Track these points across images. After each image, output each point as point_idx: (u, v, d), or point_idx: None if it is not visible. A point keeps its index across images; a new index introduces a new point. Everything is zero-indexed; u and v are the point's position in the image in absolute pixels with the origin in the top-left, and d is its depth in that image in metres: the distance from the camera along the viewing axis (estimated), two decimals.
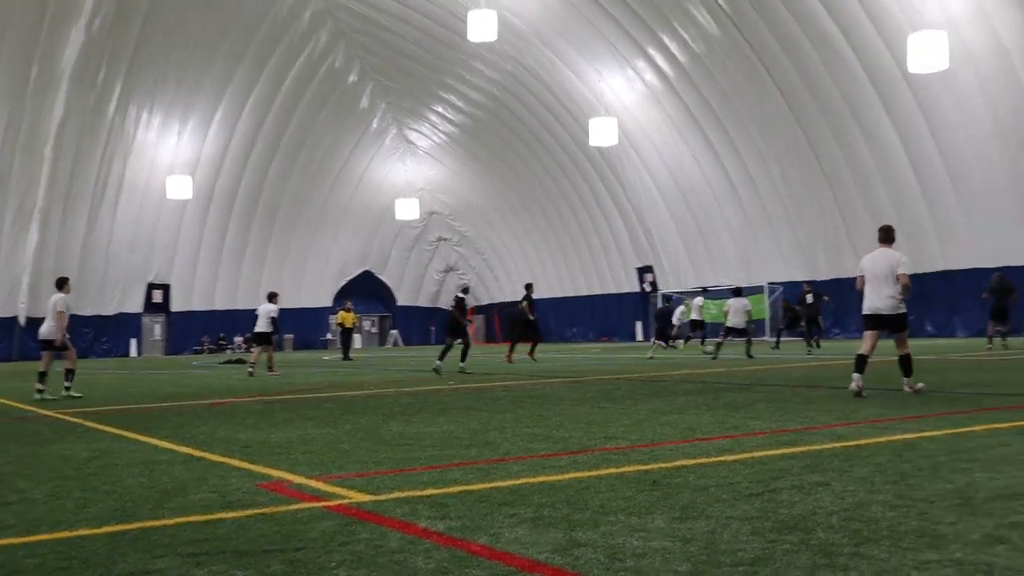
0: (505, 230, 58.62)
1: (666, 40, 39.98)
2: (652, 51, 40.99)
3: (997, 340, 25.89)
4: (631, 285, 51.22)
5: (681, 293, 47.35)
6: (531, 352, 27.79)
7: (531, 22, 42.64)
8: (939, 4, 31.22)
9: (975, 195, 34.61)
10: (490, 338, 62.62)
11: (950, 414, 9.34)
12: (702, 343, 32.37)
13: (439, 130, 54.82)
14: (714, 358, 24.09)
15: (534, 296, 27.46)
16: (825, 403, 10.81)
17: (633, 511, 4.95)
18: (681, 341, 36.85)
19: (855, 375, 11.50)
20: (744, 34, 37.15)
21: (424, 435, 8.80)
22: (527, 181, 53.63)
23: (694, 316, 32.94)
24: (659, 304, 32.56)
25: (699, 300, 33.47)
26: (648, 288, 49.87)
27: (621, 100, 44.03)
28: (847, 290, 36.87)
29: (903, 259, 11.89)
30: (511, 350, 27.07)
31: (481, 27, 32.53)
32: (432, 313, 64.93)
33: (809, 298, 29.29)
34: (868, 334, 12.00)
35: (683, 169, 44.70)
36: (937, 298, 36.64)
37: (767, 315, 42.16)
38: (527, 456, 7.21)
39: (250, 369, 23.04)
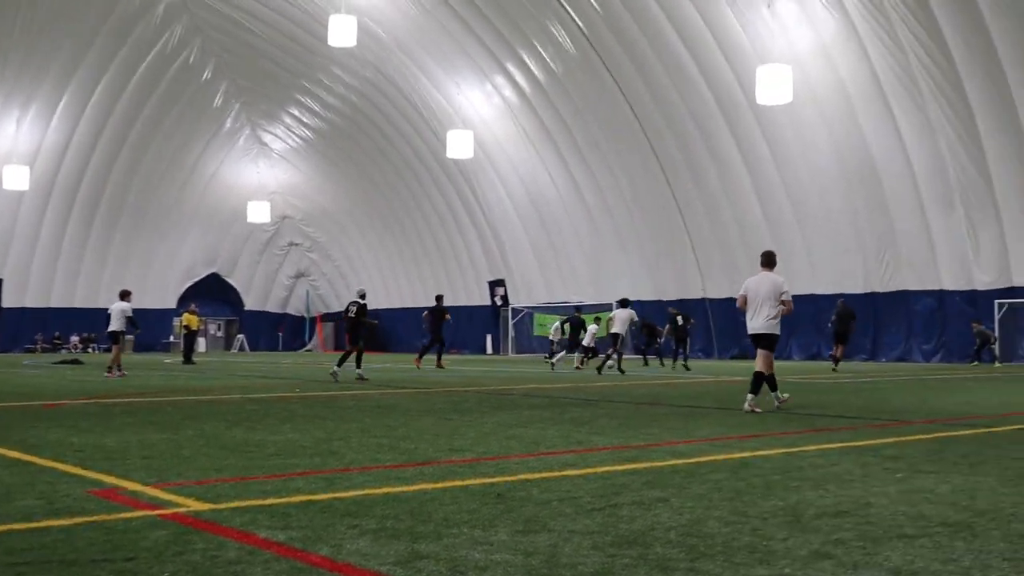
0: (359, 238, 58.14)
1: (525, 56, 40.44)
2: (511, 67, 41.39)
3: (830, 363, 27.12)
4: (483, 298, 51.48)
5: (532, 308, 47.87)
6: (436, 361, 28.92)
7: (392, 31, 42.50)
8: (786, 40, 32.50)
9: (814, 224, 36.09)
10: (339, 345, 61.87)
11: (784, 434, 9.69)
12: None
13: (295, 133, 54.03)
14: (622, 371, 25.35)
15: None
16: (667, 421, 11.07)
17: (477, 524, 4.96)
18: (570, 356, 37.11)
19: (750, 393, 12.39)
20: (600, 55, 37.88)
21: (268, 443, 8.63)
22: (383, 189, 53.34)
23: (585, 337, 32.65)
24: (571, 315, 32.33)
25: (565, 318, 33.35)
26: (499, 302, 50.19)
27: (479, 113, 44.29)
28: (692, 310, 37.94)
29: (785, 284, 12.71)
30: (436, 358, 28.89)
31: (341, 32, 32.25)
32: (281, 319, 63.88)
33: (679, 319, 29.93)
34: (758, 353, 12.71)
35: (538, 185, 45.23)
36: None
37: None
38: (372, 467, 7.15)
39: (115, 372, 22.69)
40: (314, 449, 8.20)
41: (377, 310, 59.00)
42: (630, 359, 31.34)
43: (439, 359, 28.89)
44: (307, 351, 60.72)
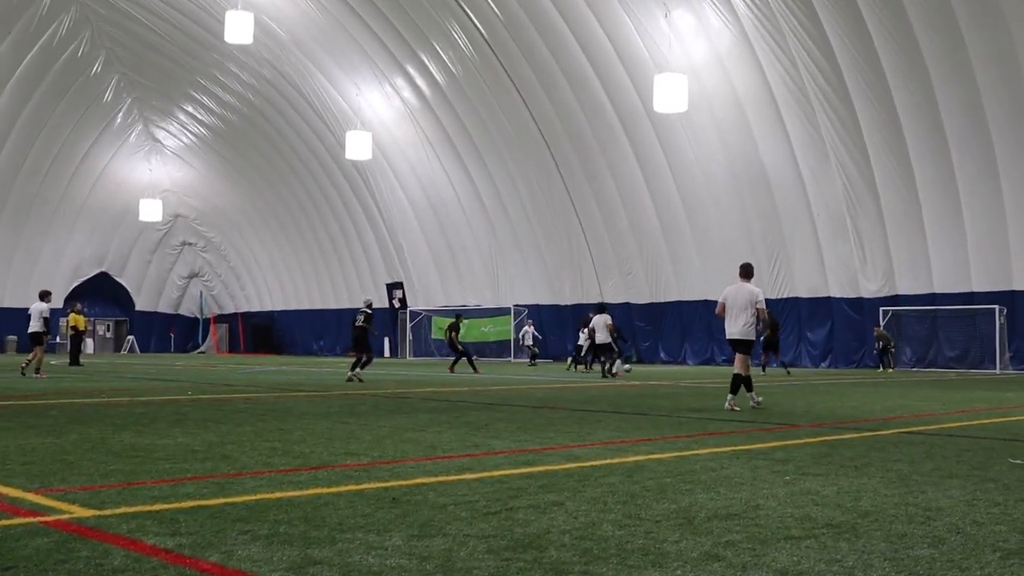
0: (254, 238, 57.25)
1: (425, 59, 40.35)
2: (411, 69, 41.26)
3: (771, 368, 27.93)
4: (380, 300, 51.12)
5: (430, 311, 47.76)
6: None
7: (290, 29, 41.99)
8: (683, 49, 33.07)
9: (708, 231, 36.77)
10: (234, 348, 60.90)
11: (677, 438, 9.84)
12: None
13: (189, 131, 52.97)
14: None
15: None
16: (564, 424, 11.15)
17: (371, 528, 4.92)
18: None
19: (752, 395, 13.86)
20: (501, 60, 38.02)
21: (157, 447, 8.43)
22: (280, 190, 52.62)
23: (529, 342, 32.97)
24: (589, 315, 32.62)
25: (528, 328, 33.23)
26: (397, 304, 49.96)
27: (378, 115, 44.04)
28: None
29: (760, 294, 13.92)
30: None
31: (238, 29, 31.77)
32: (173, 320, 62.51)
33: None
34: (736, 356, 13.85)
35: (437, 188, 45.15)
36: (671, 327, 38.67)
37: (512, 336, 43.12)
38: (265, 471, 7.05)
39: (29, 372, 22.46)
40: (205, 453, 8.04)
41: (272, 312, 58.32)
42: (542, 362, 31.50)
43: (469, 366, 30.02)
44: (200, 353, 59.55)
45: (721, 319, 14.04)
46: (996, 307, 30.96)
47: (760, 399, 14.08)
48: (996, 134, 29.29)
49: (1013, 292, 30.78)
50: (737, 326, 13.72)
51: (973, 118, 29.42)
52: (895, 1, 28.56)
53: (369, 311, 23.46)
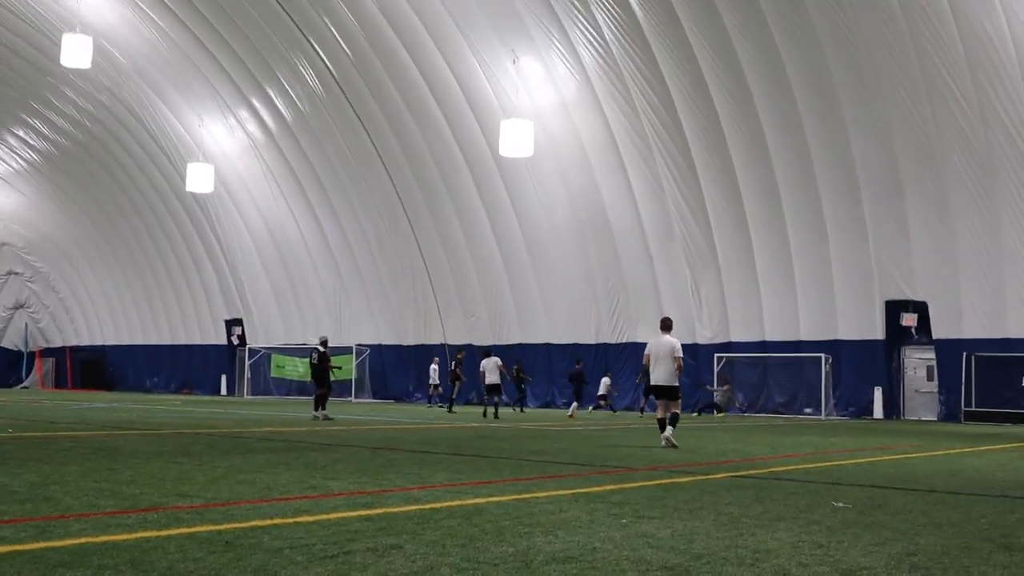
0: (87, 269, 55.04)
1: (271, 93, 39.85)
2: (256, 102, 40.66)
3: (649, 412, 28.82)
4: (218, 337, 49.90)
5: (270, 348, 46.82)
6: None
7: (131, 55, 40.87)
8: (529, 96, 33.65)
9: (551, 275, 37.29)
10: (61, 383, 58.24)
11: (517, 480, 9.89)
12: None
13: (18, 155, 50.67)
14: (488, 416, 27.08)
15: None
16: (404, 466, 11.06)
17: (202, 574, 4.76)
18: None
19: (662, 434, 15.15)
20: (349, 97, 37.87)
21: None
22: (115, 220, 50.83)
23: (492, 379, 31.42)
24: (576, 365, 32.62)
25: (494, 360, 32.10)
26: (236, 341, 48.79)
27: (221, 147, 43.18)
28: (432, 356, 38.28)
29: (679, 345, 15.56)
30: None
31: (75, 53, 30.73)
32: None
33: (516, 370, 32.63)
34: (659, 402, 15.63)
35: (280, 224, 44.46)
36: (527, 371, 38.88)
37: (353, 375, 42.60)
38: (91, 513, 6.75)
39: None
40: (26, 494, 7.65)
41: (103, 346, 56.09)
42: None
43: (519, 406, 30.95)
44: (23, 388, 56.70)
45: (646, 369, 15.80)
46: (822, 355, 32.37)
47: (670, 433, 15.21)
48: (825, 197, 30.80)
49: (838, 341, 32.24)
50: (663, 373, 15.28)
51: (804, 180, 30.88)
52: (733, 59, 29.83)
53: (322, 348, 24.53)
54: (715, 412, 32.32)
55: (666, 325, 15.92)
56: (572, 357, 35.81)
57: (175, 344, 51.81)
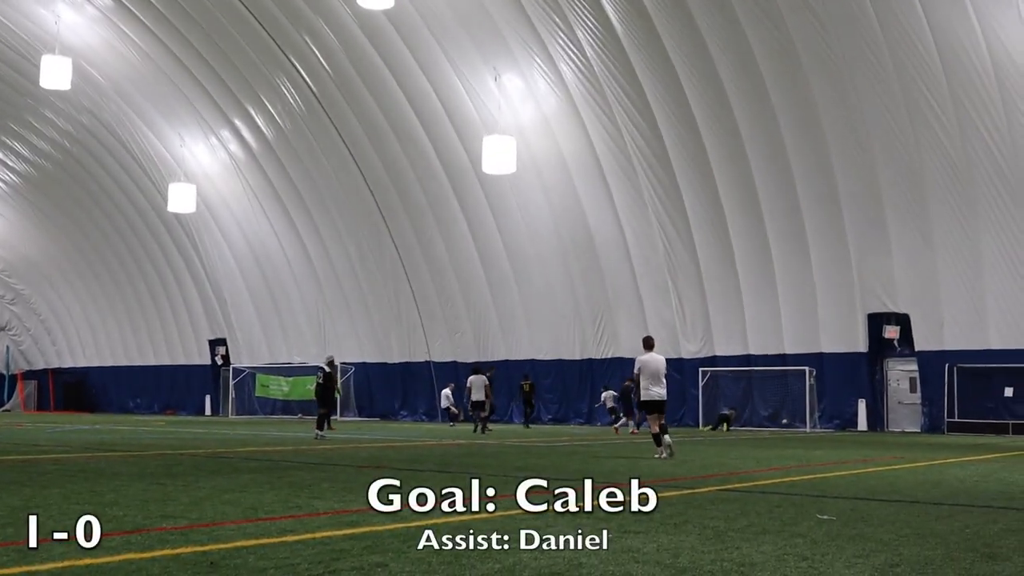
0: (68, 291, 54.77)
1: (252, 112, 39.82)
2: (238, 121, 40.63)
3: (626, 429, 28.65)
4: (202, 357, 49.68)
5: (254, 368, 46.66)
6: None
7: (111, 76, 40.80)
8: (512, 112, 33.73)
9: (534, 291, 37.32)
10: (42, 406, 57.83)
11: (503, 497, 9.86)
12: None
13: None
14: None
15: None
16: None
17: None
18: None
19: (660, 445, 15.81)
20: (331, 116, 37.88)
21: None
22: (97, 241, 50.62)
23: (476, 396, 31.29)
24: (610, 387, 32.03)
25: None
26: (220, 361, 48.60)
27: (203, 167, 43.11)
28: (417, 373, 38.26)
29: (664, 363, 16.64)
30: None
31: (54, 74, 30.79)
32: None
33: (526, 386, 32.66)
34: (651, 416, 16.36)
35: (263, 243, 44.37)
36: (498, 385, 38.61)
37: (339, 394, 42.34)
38: (74, 536, 6.70)
39: None
40: (7, 518, 7.60)
41: (86, 368, 55.79)
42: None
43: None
44: (5, 411, 56.30)
45: (637, 384, 16.60)
46: (806, 368, 32.46)
47: (669, 441, 15.91)
48: (807, 211, 30.93)
49: (822, 354, 32.34)
50: (659, 389, 16.23)
51: (786, 194, 31.02)
52: (714, 76, 29.99)
53: (327, 369, 25.20)
54: (725, 426, 32.28)
55: (649, 343, 16.74)
56: (557, 373, 35.85)
57: (158, 365, 51.56)
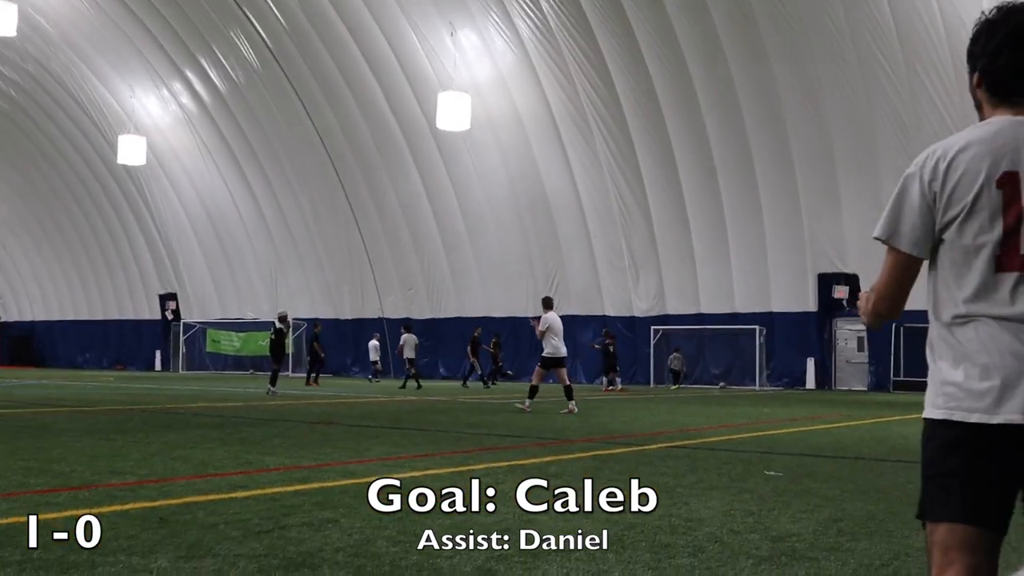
0: (14, 244, 53.86)
1: (205, 64, 39.22)
2: (190, 73, 40.01)
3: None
4: (152, 312, 49.20)
5: (205, 323, 46.30)
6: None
7: (59, 24, 39.93)
8: (467, 69, 33.50)
9: (489, 249, 37.28)
10: None
11: (455, 453, 9.92)
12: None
13: None
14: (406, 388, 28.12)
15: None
16: (341, 440, 11.04)
17: (136, 551, 4.73)
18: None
19: (529, 399, 16.96)
20: (284, 70, 37.40)
21: None
22: (44, 194, 49.76)
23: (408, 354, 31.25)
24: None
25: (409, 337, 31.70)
26: (170, 316, 48.15)
27: (154, 119, 42.44)
28: (371, 330, 38.14)
29: None
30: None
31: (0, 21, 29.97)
32: None
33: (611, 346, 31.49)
34: (559, 372, 17.36)
35: (215, 198, 43.88)
36: (451, 343, 38.74)
37: (290, 350, 42.14)
38: (18, 492, 6.65)
39: None
40: None
41: (32, 322, 55.06)
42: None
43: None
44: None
45: (541, 340, 17.50)
46: (757, 327, 32.81)
47: (573, 406, 16.72)
48: (760, 171, 31.09)
49: (772, 314, 32.69)
50: (565, 347, 17.50)
51: (740, 154, 31.13)
52: (670, 33, 29.95)
53: (278, 324, 25.08)
54: (672, 383, 32.46)
55: (549, 303, 18.22)
56: (511, 330, 35.92)
57: (107, 320, 50.99)
